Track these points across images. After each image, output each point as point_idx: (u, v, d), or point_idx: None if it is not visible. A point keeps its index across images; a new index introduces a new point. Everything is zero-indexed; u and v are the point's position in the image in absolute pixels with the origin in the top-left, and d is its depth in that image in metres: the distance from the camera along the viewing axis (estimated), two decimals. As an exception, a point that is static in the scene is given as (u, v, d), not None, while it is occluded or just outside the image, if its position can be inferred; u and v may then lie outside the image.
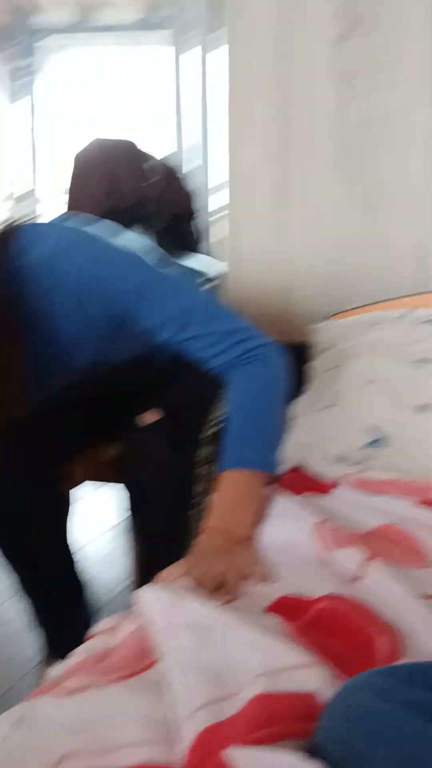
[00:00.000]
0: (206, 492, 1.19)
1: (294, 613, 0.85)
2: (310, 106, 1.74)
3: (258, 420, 1.14)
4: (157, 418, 1.26)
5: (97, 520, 2.44)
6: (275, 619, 0.82)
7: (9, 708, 0.70)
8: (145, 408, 1.34)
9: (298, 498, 1.14)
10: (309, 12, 1.69)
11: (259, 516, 1.08)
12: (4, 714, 0.69)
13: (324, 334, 1.66)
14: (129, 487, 1.27)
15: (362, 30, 1.67)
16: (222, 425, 1.28)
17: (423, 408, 1.33)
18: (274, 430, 1.16)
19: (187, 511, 1.12)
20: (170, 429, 1.25)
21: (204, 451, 1.23)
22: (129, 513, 1.30)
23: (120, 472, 1.28)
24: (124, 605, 0.89)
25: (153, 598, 0.85)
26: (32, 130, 5.57)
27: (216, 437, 1.26)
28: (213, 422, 1.29)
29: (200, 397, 1.31)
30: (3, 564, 1.35)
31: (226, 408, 1.18)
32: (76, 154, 1.86)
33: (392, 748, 0.53)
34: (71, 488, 1.52)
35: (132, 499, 1.28)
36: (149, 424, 1.27)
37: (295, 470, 1.24)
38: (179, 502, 1.17)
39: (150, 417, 1.26)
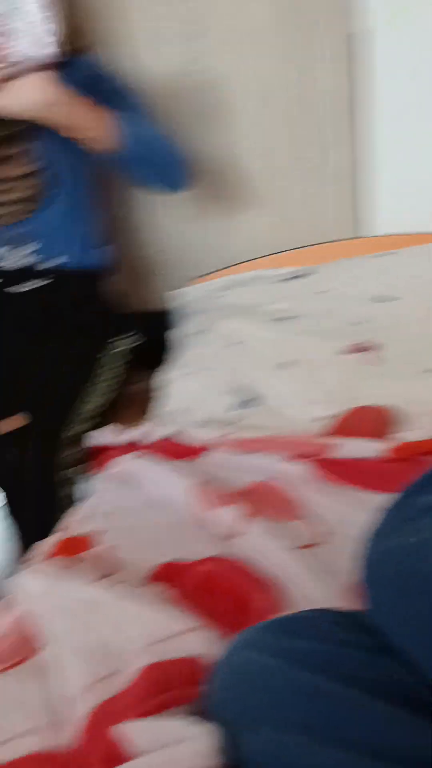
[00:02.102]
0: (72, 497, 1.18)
1: (176, 579, 0.86)
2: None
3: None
4: (18, 424, 1.20)
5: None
6: (159, 588, 0.82)
7: None
8: (5, 408, 1.28)
9: (171, 463, 1.15)
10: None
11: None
12: None
13: (184, 299, 1.66)
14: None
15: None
16: (85, 425, 1.26)
17: (286, 365, 1.35)
18: (155, 141, 1.40)
19: (54, 516, 1.10)
20: (32, 436, 1.20)
21: (68, 453, 1.21)
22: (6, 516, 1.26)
23: None
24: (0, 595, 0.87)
25: (29, 584, 0.83)
26: None
27: (79, 438, 1.25)
28: (76, 421, 1.27)
29: (61, 397, 1.29)
30: None
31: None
32: None
33: (264, 695, 0.55)
34: None
35: (8, 516, 1.23)
36: (10, 433, 1.20)
37: (167, 436, 1.24)
38: (46, 509, 1.14)
39: (10, 424, 1.20)
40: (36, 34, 1.20)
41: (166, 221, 1.80)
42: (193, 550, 0.92)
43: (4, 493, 1.22)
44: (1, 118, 1.27)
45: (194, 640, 0.72)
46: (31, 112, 1.24)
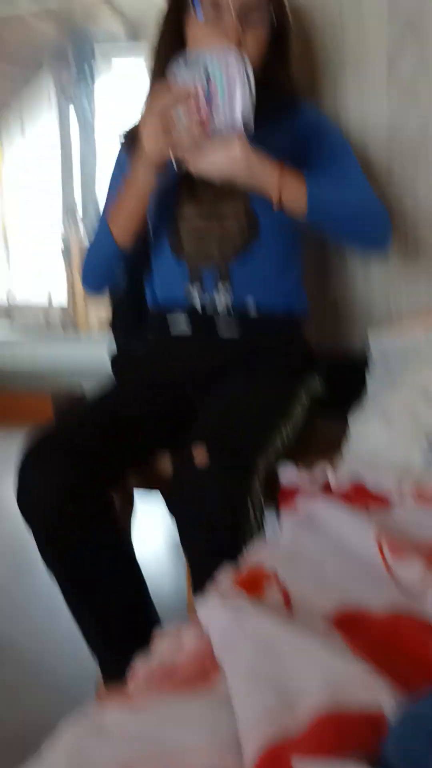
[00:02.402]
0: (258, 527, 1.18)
1: (357, 628, 0.84)
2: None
3: (349, 194, 1.43)
4: (205, 453, 1.21)
5: (155, 527, 2.44)
6: (338, 634, 0.81)
7: (74, 719, 0.71)
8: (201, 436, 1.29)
9: (358, 509, 1.13)
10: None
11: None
12: (70, 724, 0.70)
13: (382, 344, 1.64)
14: (179, 525, 1.25)
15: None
16: (276, 460, 1.27)
17: None
18: (347, 205, 1.41)
19: (240, 544, 1.10)
20: (222, 465, 1.21)
21: (257, 485, 1.23)
22: (181, 545, 1.28)
23: (170, 508, 1.26)
24: (184, 616, 0.89)
25: (213, 610, 0.85)
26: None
27: (269, 471, 1.26)
28: (267, 455, 1.28)
29: (258, 428, 1.31)
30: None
31: None
32: None
33: None
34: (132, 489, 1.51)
35: (183, 536, 1.26)
36: (200, 461, 1.21)
37: (355, 482, 1.23)
38: (231, 539, 1.16)
39: (201, 453, 1.21)
40: (235, 101, 1.27)
41: (366, 267, 1.80)
42: (376, 601, 0.90)
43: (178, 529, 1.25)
44: None
45: (373, 692, 0.70)
46: (224, 178, 1.31)
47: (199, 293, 1.48)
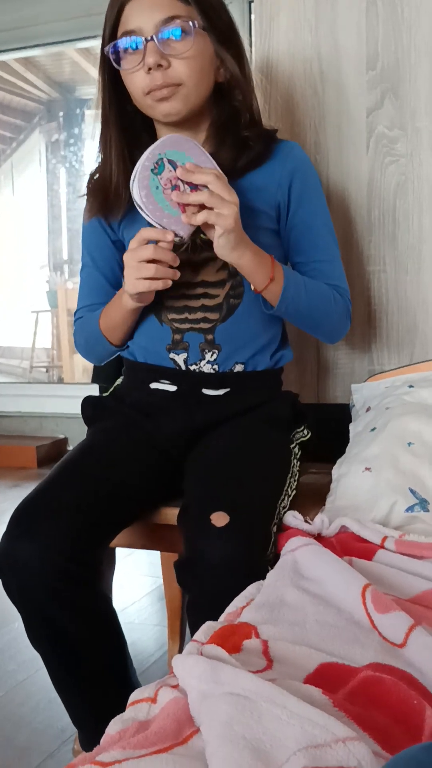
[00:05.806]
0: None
1: (335, 683, 0.82)
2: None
3: (318, 298, 1.41)
4: (224, 521, 1.17)
5: (131, 584, 2.41)
6: (317, 689, 0.80)
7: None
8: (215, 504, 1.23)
9: (344, 560, 1.12)
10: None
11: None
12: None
13: (363, 394, 1.65)
14: (193, 595, 1.20)
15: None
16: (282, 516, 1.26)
17: (466, 470, 1.30)
18: (319, 310, 1.43)
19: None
20: (239, 531, 1.17)
21: (273, 548, 1.20)
22: (188, 614, 1.23)
23: (182, 579, 1.22)
24: (160, 673, 0.87)
25: (190, 666, 0.83)
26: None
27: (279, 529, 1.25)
28: (279, 515, 1.26)
29: (268, 491, 1.29)
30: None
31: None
32: None
33: None
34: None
35: (194, 605, 1.21)
36: (217, 529, 1.17)
37: (342, 532, 1.22)
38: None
39: (217, 519, 1.17)
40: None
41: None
42: (358, 654, 0.88)
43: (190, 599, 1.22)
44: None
45: (351, 750, 0.68)
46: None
47: (184, 358, 1.44)
